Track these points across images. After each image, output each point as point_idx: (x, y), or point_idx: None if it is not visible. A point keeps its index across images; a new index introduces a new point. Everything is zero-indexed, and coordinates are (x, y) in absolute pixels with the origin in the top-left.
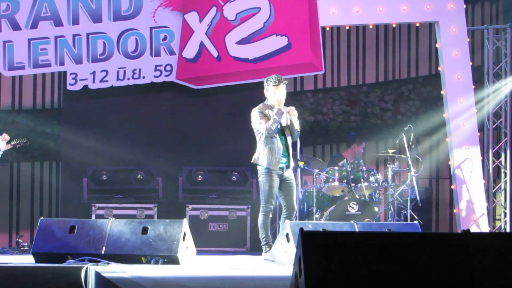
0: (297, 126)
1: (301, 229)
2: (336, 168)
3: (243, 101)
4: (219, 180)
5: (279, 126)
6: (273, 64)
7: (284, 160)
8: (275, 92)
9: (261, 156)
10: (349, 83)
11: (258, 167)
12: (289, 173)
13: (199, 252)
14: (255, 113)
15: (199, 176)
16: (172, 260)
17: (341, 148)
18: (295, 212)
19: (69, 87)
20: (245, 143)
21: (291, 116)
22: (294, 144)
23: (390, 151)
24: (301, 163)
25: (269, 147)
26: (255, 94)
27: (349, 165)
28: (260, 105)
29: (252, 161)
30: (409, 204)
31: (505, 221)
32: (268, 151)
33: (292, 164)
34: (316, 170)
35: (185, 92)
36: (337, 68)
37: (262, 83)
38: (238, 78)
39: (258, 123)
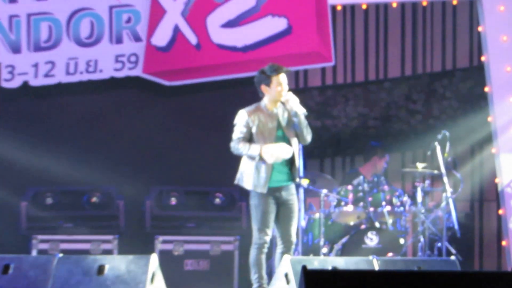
0: (303, 119)
1: (304, 267)
2: (350, 187)
3: (229, 101)
4: (198, 204)
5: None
6: (268, 54)
7: (281, 177)
8: (276, 84)
9: (244, 175)
10: (366, 77)
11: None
12: (289, 194)
13: None
14: (238, 118)
15: (172, 199)
16: None
17: (357, 162)
18: (293, 246)
19: (3, 84)
20: (232, 156)
21: (291, 106)
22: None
23: (420, 165)
24: (304, 182)
25: (256, 165)
26: (246, 93)
27: (367, 184)
28: (252, 106)
29: (235, 181)
30: (444, 234)
31: None
32: (254, 169)
33: (296, 180)
34: (324, 191)
35: (155, 90)
36: (351, 59)
37: (254, 78)
38: (224, 71)
39: (234, 134)
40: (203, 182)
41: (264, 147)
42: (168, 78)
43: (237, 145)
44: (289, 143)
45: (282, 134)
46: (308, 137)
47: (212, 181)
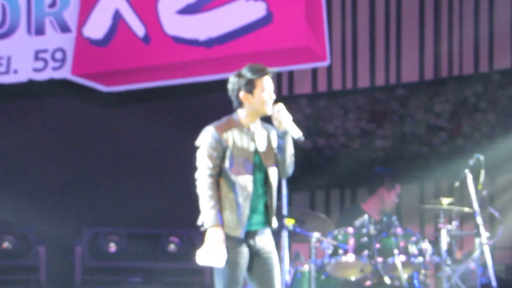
0: (291, 144)
1: None
2: (351, 230)
3: (189, 115)
4: (146, 251)
5: (251, 156)
6: (240, 50)
7: (257, 218)
8: (261, 90)
9: None
10: (373, 82)
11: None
12: (265, 241)
13: None
14: (205, 137)
15: (111, 245)
16: None
17: (360, 195)
18: None
19: None
20: (191, 187)
21: (280, 122)
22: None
23: (445, 201)
24: (289, 222)
25: (229, 199)
26: (211, 103)
27: (374, 226)
28: (222, 120)
29: (198, 222)
30: None
31: None
32: (227, 204)
33: (273, 224)
34: (316, 234)
35: (88, 98)
36: (353, 58)
37: (222, 82)
38: (180, 73)
39: (200, 162)
40: (152, 222)
41: (216, 235)
42: (106, 82)
43: (205, 187)
44: (265, 174)
45: (259, 161)
46: (290, 169)
47: (164, 220)
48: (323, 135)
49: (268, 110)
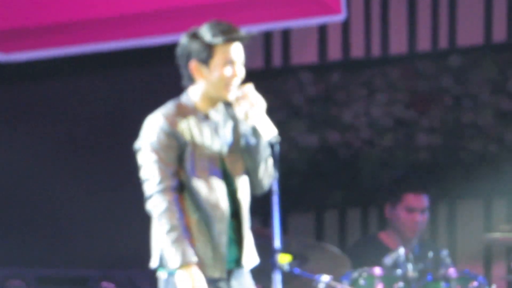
0: (265, 144)
1: None
2: (378, 271)
3: (125, 97)
4: None
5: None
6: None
7: (232, 251)
8: (223, 63)
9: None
10: (413, 46)
11: (162, 274)
12: (242, 283)
13: None
14: (152, 132)
15: None
16: None
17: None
18: None
19: None
20: (135, 207)
21: (247, 114)
22: (259, 203)
23: None
24: (284, 260)
25: (196, 222)
26: (160, 79)
27: (414, 264)
28: (170, 106)
29: (152, 263)
30: None
31: None
32: (196, 232)
33: (249, 261)
34: (325, 278)
35: None
36: (382, 9)
37: (174, 47)
38: (111, 35)
39: (148, 170)
40: (75, 260)
41: (193, 277)
42: (3, 46)
43: (163, 208)
44: (233, 183)
45: (222, 167)
46: (266, 180)
47: (94, 257)
48: (337, 127)
49: (230, 94)
